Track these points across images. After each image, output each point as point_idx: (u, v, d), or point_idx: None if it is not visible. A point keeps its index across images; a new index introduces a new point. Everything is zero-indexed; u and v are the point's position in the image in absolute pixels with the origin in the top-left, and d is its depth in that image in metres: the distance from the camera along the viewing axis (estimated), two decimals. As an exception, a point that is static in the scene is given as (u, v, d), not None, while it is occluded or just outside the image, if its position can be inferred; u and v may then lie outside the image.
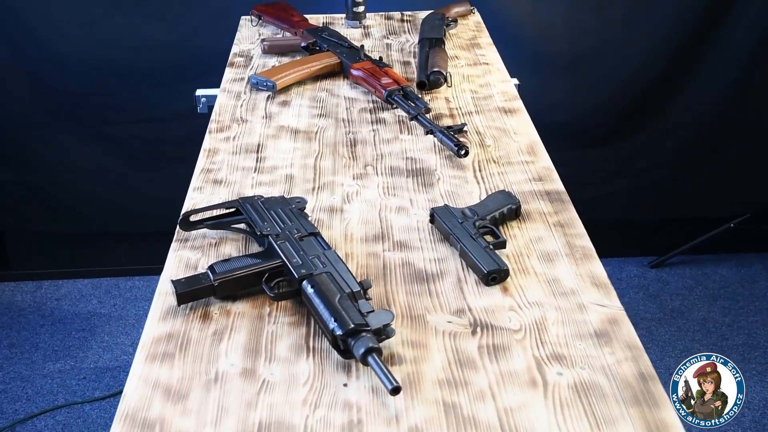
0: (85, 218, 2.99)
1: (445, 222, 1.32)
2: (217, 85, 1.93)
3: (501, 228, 1.35)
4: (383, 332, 1.07)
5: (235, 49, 2.13)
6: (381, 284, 1.22)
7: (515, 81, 1.99)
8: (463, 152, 1.53)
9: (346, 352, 1.06)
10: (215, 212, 1.36)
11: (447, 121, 1.71)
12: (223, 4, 2.56)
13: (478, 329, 1.12)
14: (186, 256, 1.29)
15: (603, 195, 3.03)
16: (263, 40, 2.08)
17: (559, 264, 1.26)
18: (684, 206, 3.07)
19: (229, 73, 1.98)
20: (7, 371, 2.62)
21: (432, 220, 1.35)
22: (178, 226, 1.34)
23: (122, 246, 3.04)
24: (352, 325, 1.05)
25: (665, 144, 2.96)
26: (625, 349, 1.08)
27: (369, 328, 1.05)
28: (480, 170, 1.53)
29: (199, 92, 2.09)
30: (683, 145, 2.97)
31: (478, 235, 1.28)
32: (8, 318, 2.86)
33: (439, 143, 1.60)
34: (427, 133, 1.61)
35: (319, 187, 1.48)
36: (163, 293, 1.20)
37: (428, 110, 1.71)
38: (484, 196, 1.43)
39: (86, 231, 3.01)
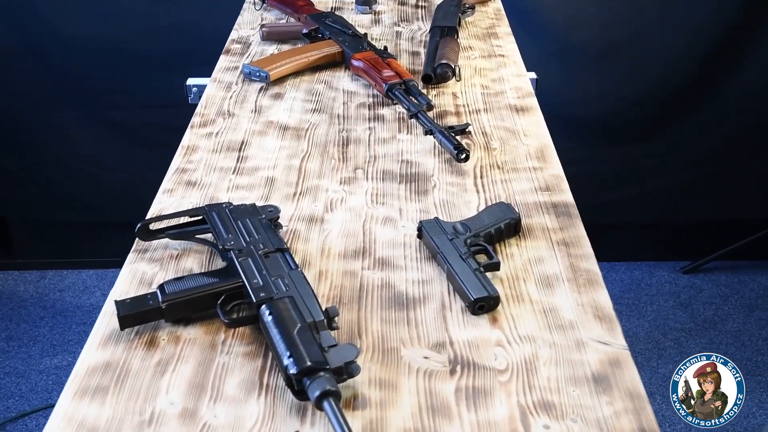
0: (90, 207, 2.90)
1: (433, 238, 1.17)
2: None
3: (497, 245, 1.19)
4: (345, 371, 0.93)
5: (233, 34, 1.99)
6: (354, 309, 1.08)
7: (532, 75, 1.83)
8: (462, 156, 1.38)
9: (300, 393, 0.92)
10: (180, 220, 1.23)
11: (452, 120, 1.56)
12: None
13: (458, 368, 0.98)
14: (141, 270, 1.17)
15: (633, 195, 2.86)
16: (262, 26, 1.94)
17: (558, 290, 1.11)
18: (720, 208, 2.88)
19: (223, 60, 1.84)
20: (3, 365, 2.53)
21: (420, 235, 1.21)
22: (136, 236, 1.21)
23: (128, 236, 2.92)
24: (308, 363, 0.91)
25: (701, 142, 2.77)
26: (626, 398, 0.93)
27: (328, 367, 0.91)
28: (481, 177, 1.38)
29: (190, 81, 1.96)
30: (720, 144, 2.77)
31: (469, 254, 1.13)
32: (9, 309, 2.78)
33: (439, 145, 1.45)
34: (426, 133, 1.46)
35: (300, 193, 1.34)
36: (109, 314, 1.07)
37: (431, 107, 1.55)
38: (482, 208, 1.28)
39: (92, 220, 2.92)
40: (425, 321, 1.06)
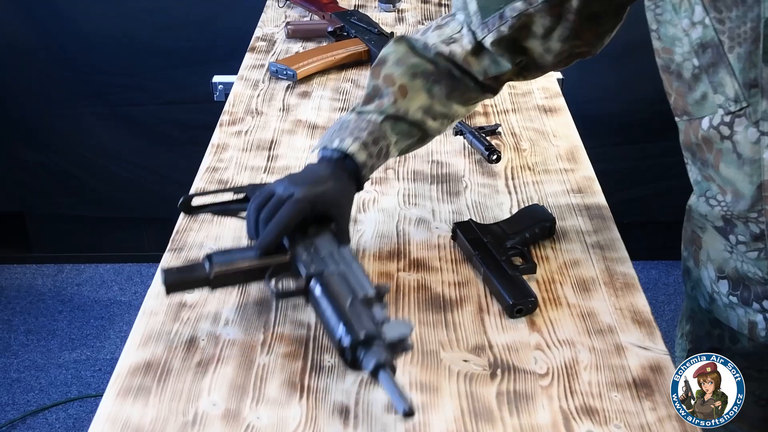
0: (108, 201, 2.90)
1: (468, 240, 1.17)
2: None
3: (532, 248, 1.19)
4: (399, 346, 0.92)
5: (258, 32, 1.99)
6: (392, 311, 1.08)
7: (558, 75, 1.82)
8: (494, 157, 1.38)
9: (353, 364, 0.91)
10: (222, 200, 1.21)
11: (480, 120, 1.56)
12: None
13: (499, 372, 0.98)
14: (178, 270, 1.16)
15: (650, 194, 2.85)
16: (287, 24, 1.94)
17: (596, 294, 1.11)
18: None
19: (248, 58, 1.84)
20: (23, 359, 2.54)
21: (454, 237, 1.21)
22: (180, 215, 1.21)
23: (146, 231, 2.94)
24: (363, 334, 0.90)
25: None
26: (669, 404, 0.93)
27: (383, 340, 0.90)
28: (513, 178, 1.38)
29: (216, 79, 1.96)
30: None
31: (505, 257, 1.13)
32: (27, 302, 2.78)
33: (469, 145, 1.45)
34: (456, 133, 1.46)
35: (332, 193, 1.34)
36: (147, 313, 1.08)
37: (459, 107, 1.55)
38: (515, 209, 1.28)
39: (110, 215, 2.93)
40: (463, 324, 1.06)
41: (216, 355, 1.01)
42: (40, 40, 2.63)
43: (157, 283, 1.14)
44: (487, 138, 1.42)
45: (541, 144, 1.48)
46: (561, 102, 1.63)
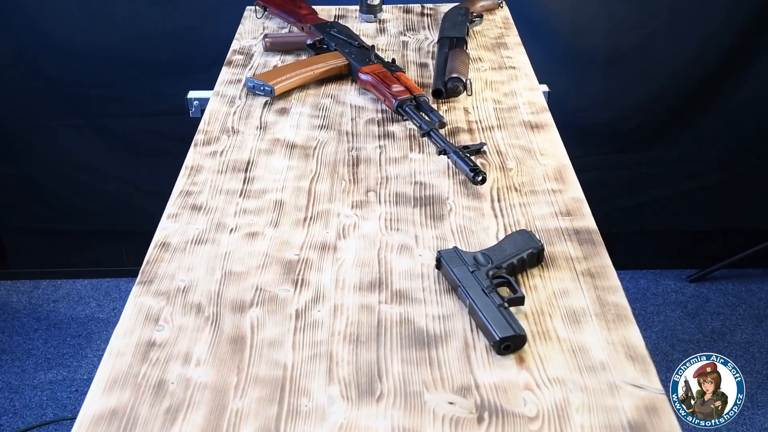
0: (85, 215, 2.83)
1: (453, 270, 1.11)
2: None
3: (520, 277, 1.14)
4: None
5: (235, 44, 1.93)
6: (373, 348, 1.02)
7: (544, 88, 1.77)
8: (479, 179, 1.33)
9: None
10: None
11: (465, 137, 1.51)
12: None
13: (486, 415, 0.92)
14: (147, 305, 1.10)
15: (639, 203, 2.81)
16: (265, 36, 1.88)
17: (587, 327, 1.05)
18: (729, 217, 2.83)
19: (225, 73, 1.78)
20: (-4, 380, 2.47)
21: (438, 266, 1.15)
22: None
23: (124, 245, 2.87)
24: None
25: (711, 149, 2.72)
26: (666, 450, 0.88)
27: None
28: (499, 200, 1.32)
29: (192, 95, 1.89)
30: (731, 151, 2.72)
31: (492, 288, 1.08)
32: (1, 321, 2.71)
33: (453, 165, 1.40)
34: (439, 153, 1.41)
35: (311, 218, 1.28)
36: (114, 354, 1.02)
37: (443, 125, 1.50)
38: (501, 234, 1.23)
39: (86, 229, 2.85)
40: (448, 362, 1.00)
41: (186, 399, 0.95)
42: (14, 51, 2.56)
43: (126, 320, 1.08)
44: (472, 158, 1.37)
45: (528, 163, 1.42)
46: (547, 117, 1.58)
